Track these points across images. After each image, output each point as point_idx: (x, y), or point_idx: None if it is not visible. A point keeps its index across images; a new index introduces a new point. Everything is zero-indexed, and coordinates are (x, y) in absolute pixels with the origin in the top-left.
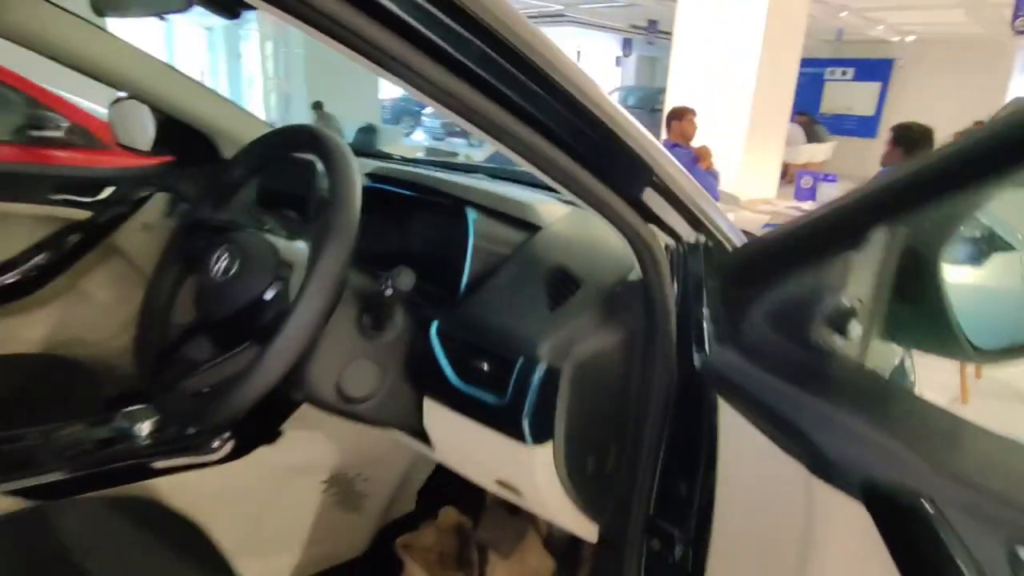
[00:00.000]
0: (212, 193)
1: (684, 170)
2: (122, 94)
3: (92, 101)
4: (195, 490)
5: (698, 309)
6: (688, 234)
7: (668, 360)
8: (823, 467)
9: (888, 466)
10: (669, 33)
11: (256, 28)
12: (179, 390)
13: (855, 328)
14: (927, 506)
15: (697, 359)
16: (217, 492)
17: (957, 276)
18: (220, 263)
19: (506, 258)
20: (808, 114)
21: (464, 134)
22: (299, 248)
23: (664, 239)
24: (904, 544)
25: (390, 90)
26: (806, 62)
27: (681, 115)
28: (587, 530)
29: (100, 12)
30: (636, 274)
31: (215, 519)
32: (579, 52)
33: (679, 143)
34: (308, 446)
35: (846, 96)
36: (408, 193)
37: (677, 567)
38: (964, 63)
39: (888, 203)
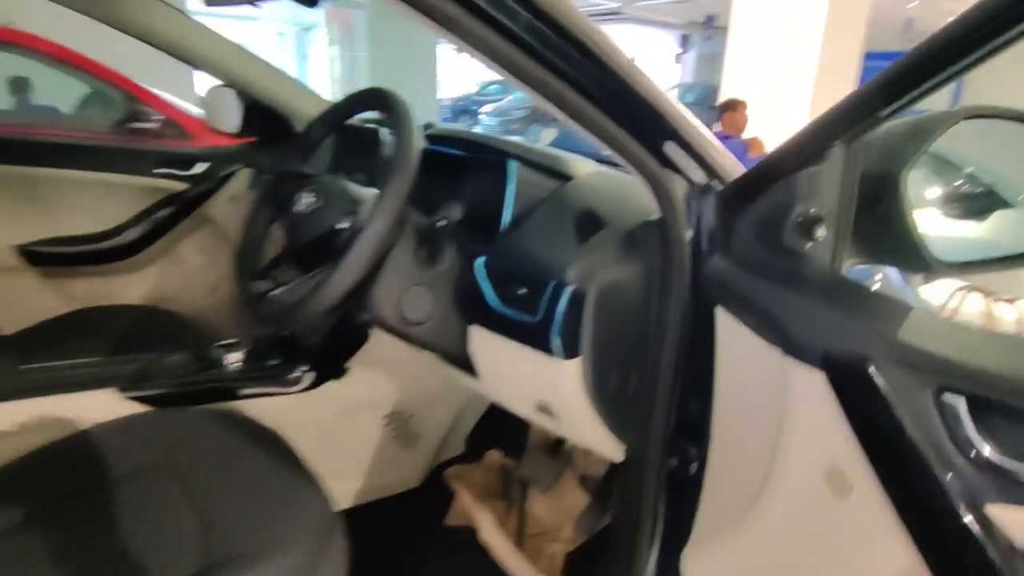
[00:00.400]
0: (297, 149)
1: (700, 123)
2: (214, 83)
3: (179, 97)
4: (273, 415)
5: (709, 243)
6: (701, 179)
7: (682, 291)
8: (793, 346)
9: (841, 339)
10: (727, 28)
11: (324, 33)
12: (270, 300)
13: (822, 234)
14: (869, 366)
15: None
16: (291, 419)
17: (923, 201)
18: (304, 200)
19: (541, 201)
20: None
21: (521, 131)
22: (367, 192)
23: (680, 183)
24: (852, 397)
25: (448, 90)
26: (873, 55)
27: (733, 107)
28: (614, 450)
29: (209, 2)
30: (656, 215)
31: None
32: (634, 57)
33: (731, 134)
34: (371, 384)
35: None
36: (459, 152)
37: (692, 480)
38: None
39: (836, 124)
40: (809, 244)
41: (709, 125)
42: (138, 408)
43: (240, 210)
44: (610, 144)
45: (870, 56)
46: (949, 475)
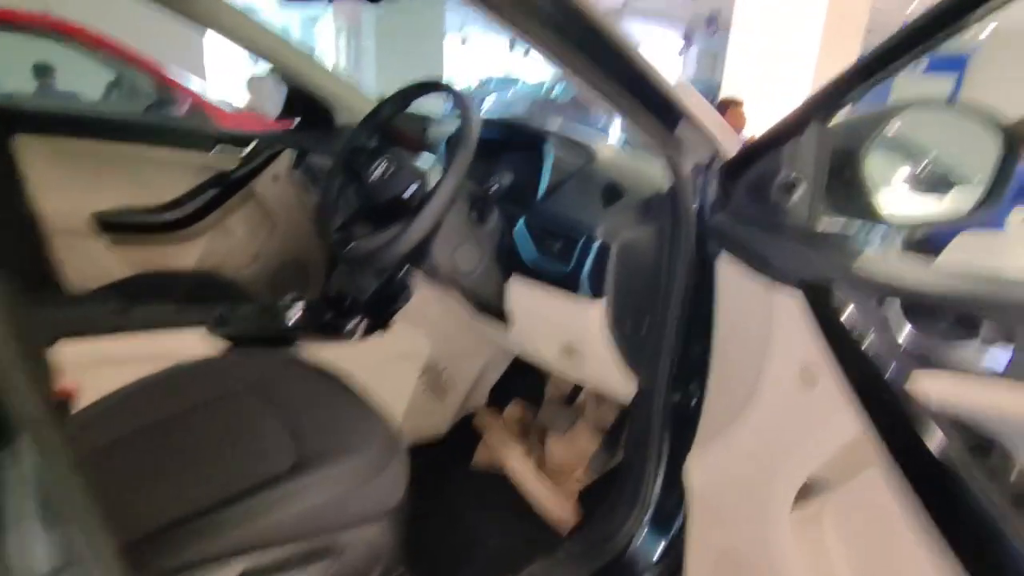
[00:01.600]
0: (367, 127)
1: (708, 105)
2: (257, 73)
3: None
4: (328, 361)
5: (711, 207)
6: (705, 155)
7: (688, 249)
8: (778, 275)
9: (813, 269)
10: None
11: (331, 22)
12: (354, 248)
13: (801, 193)
14: (831, 286)
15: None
16: (342, 365)
17: (895, 180)
18: (378, 168)
19: (573, 174)
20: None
21: None
22: (429, 163)
23: (689, 159)
24: (820, 310)
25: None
26: None
27: (731, 105)
28: (627, 386)
29: (283, 3)
30: (667, 187)
31: None
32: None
33: None
34: (410, 339)
35: (916, 91)
36: (498, 135)
37: (692, 412)
38: None
39: (812, 107)
40: (791, 201)
41: None
42: (221, 347)
43: (281, 188)
44: (634, 122)
45: None
46: (885, 357)
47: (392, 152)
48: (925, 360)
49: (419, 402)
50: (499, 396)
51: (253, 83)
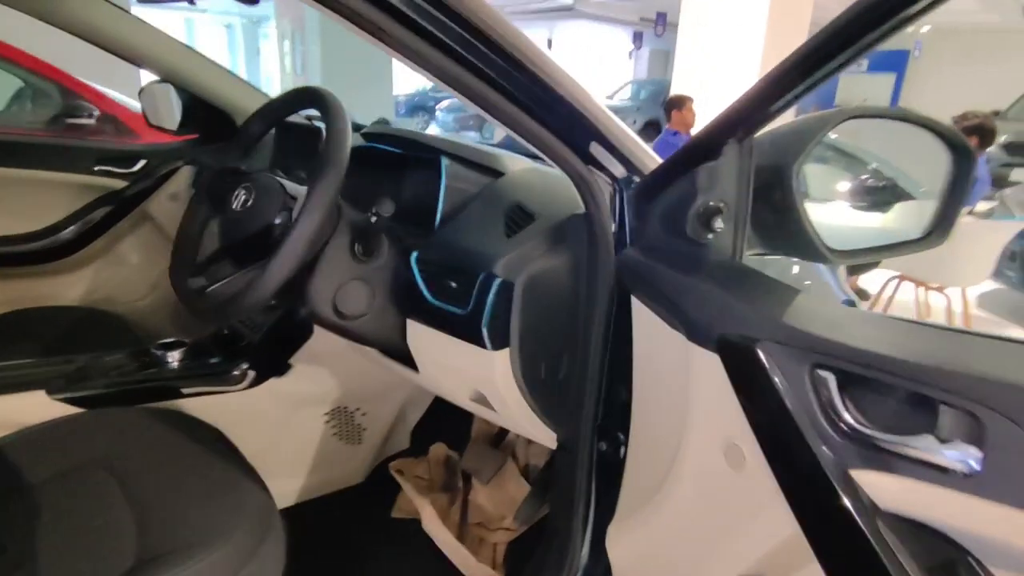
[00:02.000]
0: (235, 146)
1: (621, 123)
2: (152, 79)
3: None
4: (215, 414)
5: (629, 234)
6: (623, 174)
7: (607, 281)
8: (693, 331)
9: (734, 323)
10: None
11: (274, 26)
12: (207, 296)
13: (721, 225)
14: (755, 346)
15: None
16: (233, 417)
17: (833, 194)
18: (239, 198)
19: (473, 197)
20: (817, 105)
21: (476, 128)
22: (302, 188)
23: (604, 180)
24: (741, 376)
25: (404, 86)
26: None
27: (681, 104)
28: (548, 437)
29: None
30: (582, 209)
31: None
32: (549, 41)
33: (679, 131)
34: (313, 380)
35: (861, 88)
36: (394, 150)
37: (621, 463)
38: (980, 53)
39: (729, 123)
40: (710, 235)
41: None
42: (70, 410)
43: (181, 208)
44: (538, 146)
45: None
46: (820, 444)
47: (257, 175)
48: (870, 450)
49: (330, 449)
50: (422, 436)
51: (147, 91)
